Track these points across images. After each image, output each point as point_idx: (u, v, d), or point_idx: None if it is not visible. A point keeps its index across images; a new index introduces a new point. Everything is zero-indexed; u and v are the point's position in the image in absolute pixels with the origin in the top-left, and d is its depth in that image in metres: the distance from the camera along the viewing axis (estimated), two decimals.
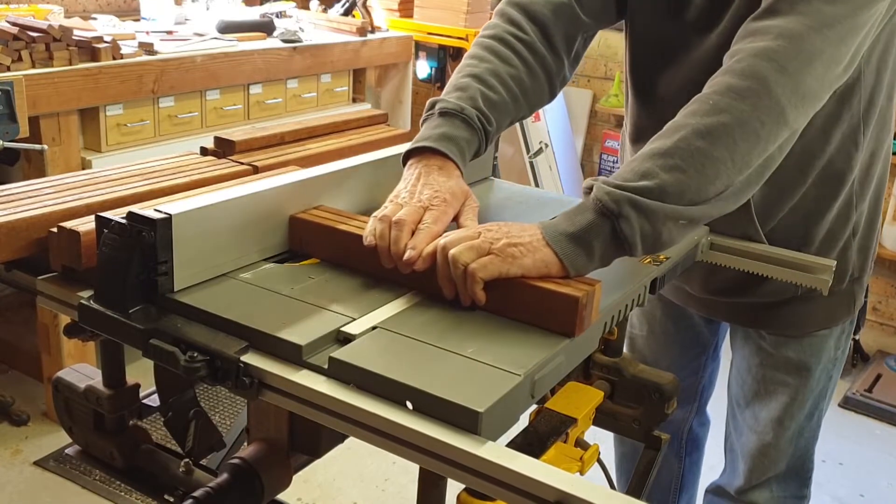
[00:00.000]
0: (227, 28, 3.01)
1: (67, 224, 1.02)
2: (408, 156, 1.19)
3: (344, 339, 0.94)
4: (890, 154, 1.47)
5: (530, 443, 1.03)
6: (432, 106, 1.23)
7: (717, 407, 1.85)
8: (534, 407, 1.08)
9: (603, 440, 1.24)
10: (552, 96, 1.38)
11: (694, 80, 1.20)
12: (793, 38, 1.07)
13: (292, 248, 1.15)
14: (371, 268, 1.07)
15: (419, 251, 1.02)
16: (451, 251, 1.00)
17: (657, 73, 1.38)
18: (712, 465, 1.86)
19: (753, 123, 1.04)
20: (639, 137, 1.47)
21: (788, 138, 1.11)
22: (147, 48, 2.63)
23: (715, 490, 1.73)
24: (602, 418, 1.24)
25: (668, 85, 1.36)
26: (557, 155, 4.10)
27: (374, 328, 0.96)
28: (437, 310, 1.02)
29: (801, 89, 1.06)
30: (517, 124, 3.99)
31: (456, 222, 1.11)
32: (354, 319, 0.97)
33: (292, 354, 0.90)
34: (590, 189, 1.05)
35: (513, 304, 1.00)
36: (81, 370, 1.19)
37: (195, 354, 0.89)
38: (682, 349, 1.76)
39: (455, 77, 1.28)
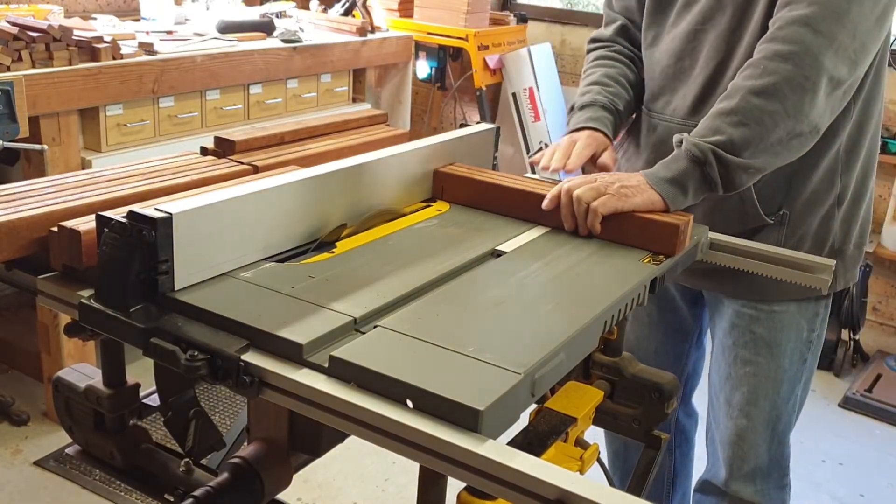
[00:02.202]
0: (227, 28, 3.01)
1: (68, 223, 1.02)
2: None
3: (498, 254, 1.22)
4: (878, 134, 1.53)
5: (530, 442, 1.03)
6: (572, 107, 1.60)
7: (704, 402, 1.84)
8: (534, 406, 1.08)
9: (595, 437, 1.24)
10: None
11: (694, 30, 1.48)
12: (822, 4, 1.28)
13: (434, 196, 1.43)
14: (501, 208, 1.38)
15: (549, 197, 1.30)
16: (575, 192, 1.27)
17: (664, 32, 1.56)
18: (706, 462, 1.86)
19: (798, 79, 1.27)
20: (656, 96, 1.58)
21: (837, 88, 1.30)
22: (147, 48, 2.62)
23: (702, 487, 1.74)
24: (602, 418, 1.25)
25: (673, 40, 1.53)
26: None
27: (375, 327, 0.96)
28: (438, 308, 1.02)
29: (835, 45, 1.28)
30: (517, 125, 4.03)
31: (593, 161, 1.48)
32: (357, 318, 0.97)
33: (293, 353, 0.90)
34: (680, 142, 1.32)
35: (625, 232, 1.27)
36: (81, 370, 1.19)
37: (196, 353, 0.89)
38: (665, 334, 1.79)
39: (579, 90, 1.65)
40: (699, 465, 1.94)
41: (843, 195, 1.51)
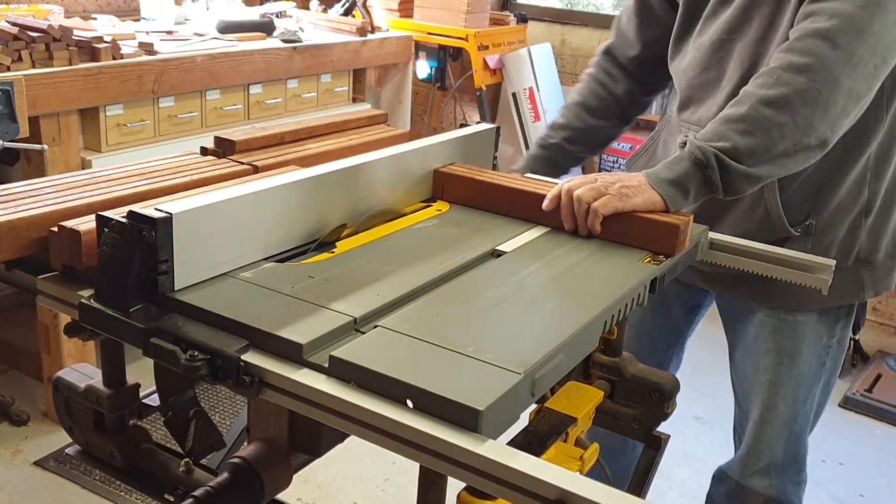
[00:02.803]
0: (227, 28, 3.01)
1: (68, 223, 1.02)
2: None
3: (498, 254, 1.22)
4: None
5: (530, 442, 1.04)
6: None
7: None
8: (534, 406, 1.08)
9: None
10: (620, 108, 1.75)
11: (720, 41, 1.47)
12: (843, 17, 1.26)
13: (434, 196, 1.43)
14: (501, 208, 1.38)
15: (549, 197, 1.30)
16: (576, 192, 1.27)
17: (689, 42, 1.57)
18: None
19: (811, 93, 1.25)
20: (684, 106, 1.59)
21: (853, 104, 1.28)
22: (147, 48, 2.62)
23: (718, 477, 1.76)
24: (602, 418, 1.25)
25: (699, 50, 1.54)
26: None
27: (375, 327, 0.96)
28: (438, 308, 1.02)
29: (854, 59, 1.25)
30: (517, 125, 4.03)
31: None
32: (357, 318, 0.97)
33: (293, 353, 0.90)
34: (684, 144, 1.31)
35: (625, 232, 1.26)
36: (81, 370, 1.19)
37: (196, 353, 0.89)
38: (651, 340, 1.79)
39: None
40: (685, 461, 1.95)
41: (871, 204, 1.48)
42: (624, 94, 1.71)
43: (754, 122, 1.26)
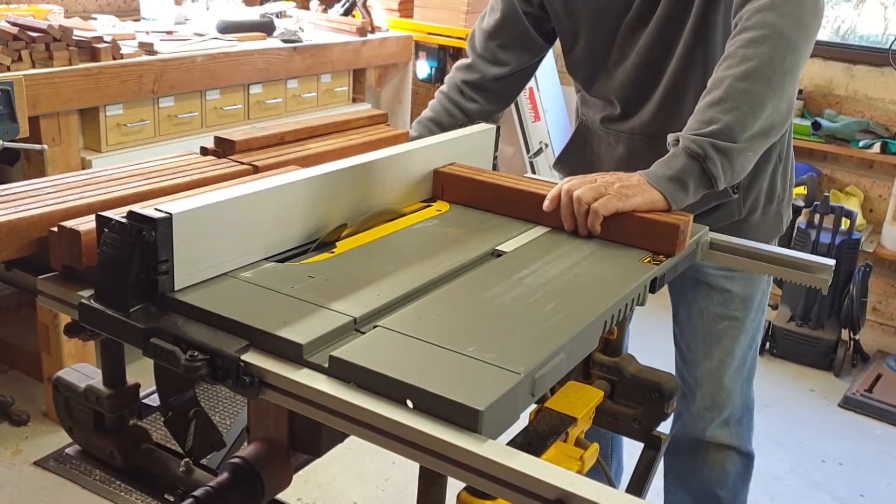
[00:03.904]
0: (227, 28, 3.01)
1: (68, 223, 1.02)
2: None
3: (498, 254, 1.22)
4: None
5: (530, 442, 1.04)
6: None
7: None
8: (534, 406, 1.08)
9: None
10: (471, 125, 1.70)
11: (644, 63, 1.54)
12: None
13: (434, 196, 1.43)
14: (501, 208, 1.38)
15: (549, 198, 1.30)
16: (576, 192, 1.27)
17: (608, 67, 1.61)
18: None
19: (776, 59, 1.30)
20: (612, 118, 1.66)
21: (804, 64, 1.37)
22: (147, 48, 2.63)
23: (674, 445, 1.81)
24: (602, 418, 1.25)
25: (623, 73, 1.59)
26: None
27: (375, 327, 0.96)
28: (438, 308, 1.02)
29: (803, 22, 1.32)
30: (517, 125, 4.03)
31: None
32: (357, 318, 0.97)
33: (293, 353, 0.90)
34: (676, 141, 1.32)
35: (625, 232, 1.26)
36: (81, 370, 1.19)
37: (196, 353, 0.89)
38: None
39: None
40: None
41: (781, 153, 1.63)
42: (476, 111, 1.74)
43: (736, 98, 1.29)
